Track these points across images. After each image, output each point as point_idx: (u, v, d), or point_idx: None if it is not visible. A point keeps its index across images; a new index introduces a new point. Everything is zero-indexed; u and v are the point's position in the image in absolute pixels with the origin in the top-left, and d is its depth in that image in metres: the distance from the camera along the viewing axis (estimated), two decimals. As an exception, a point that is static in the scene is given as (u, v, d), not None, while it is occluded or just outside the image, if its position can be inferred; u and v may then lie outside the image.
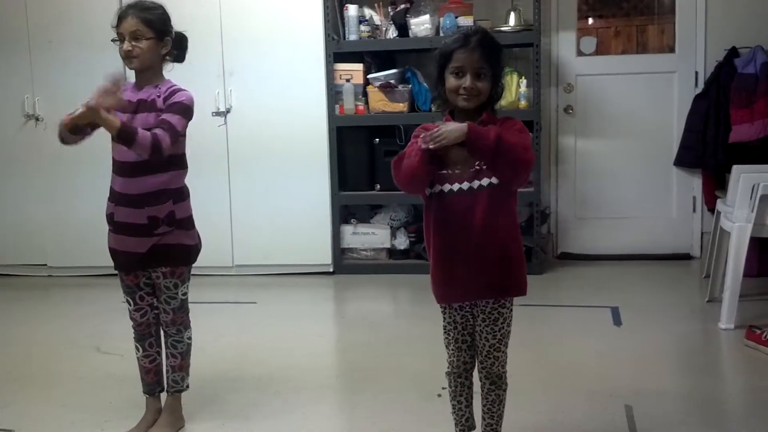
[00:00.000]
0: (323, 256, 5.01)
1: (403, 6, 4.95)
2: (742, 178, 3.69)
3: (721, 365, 3.47)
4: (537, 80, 4.78)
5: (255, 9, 4.87)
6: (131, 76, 2.67)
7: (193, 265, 2.71)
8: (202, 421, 2.82)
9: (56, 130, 2.47)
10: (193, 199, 2.71)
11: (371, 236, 5.11)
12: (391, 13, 4.96)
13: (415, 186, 2.21)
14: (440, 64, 2.17)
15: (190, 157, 2.68)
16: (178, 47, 2.66)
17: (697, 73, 5.13)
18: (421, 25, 4.85)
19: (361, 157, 5.05)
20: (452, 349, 2.30)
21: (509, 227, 2.22)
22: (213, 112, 4.93)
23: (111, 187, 2.62)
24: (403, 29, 4.92)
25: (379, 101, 4.91)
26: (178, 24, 2.66)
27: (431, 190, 2.22)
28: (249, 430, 2.75)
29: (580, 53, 5.34)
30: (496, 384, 2.29)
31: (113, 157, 2.60)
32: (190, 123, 2.60)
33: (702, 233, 5.20)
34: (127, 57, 2.54)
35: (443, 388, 2.46)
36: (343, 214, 5.13)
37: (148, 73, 2.59)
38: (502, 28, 4.82)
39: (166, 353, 2.72)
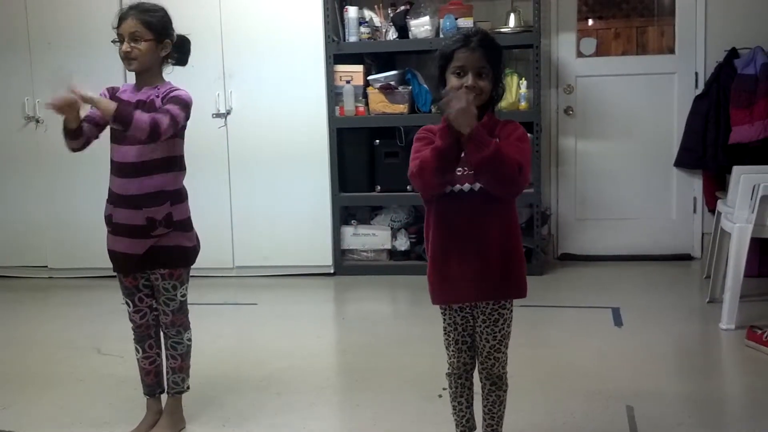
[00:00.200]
0: (324, 257, 5.01)
1: (403, 7, 4.95)
2: (743, 178, 3.69)
3: (722, 366, 3.47)
4: (537, 81, 4.78)
5: (255, 11, 4.87)
6: (131, 77, 2.67)
7: (194, 266, 2.72)
8: (203, 422, 2.82)
9: (58, 134, 2.50)
10: (194, 200, 2.71)
11: (372, 237, 5.11)
12: (391, 15, 4.96)
13: (443, 173, 2.10)
14: (441, 64, 2.16)
15: (191, 159, 2.69)
16: (180, 50, 2.66)
17: (697, 74, 5.13)
18: (421, 26, 4.85)
19: (362, 159, 5.05)
20: (452, 351, 2.30)
21: (509, 229, 2.22)
22: (213, 114, 4.93)
23: (109, 189, 2.62)
24: (403, 31, 4.92)
25: (379, 103, 4.91)
26: (178, 25, 2.66)
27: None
28: (249, 431, 2.75)
29: (580, 54, 5.34)
30: (497, 385, 2.29)
31: (112, 159, 2.60)
32: (190, 124, 2.60)
33: (702, 234, 5.20)
34: (125, 58, 2.54)
35: (444, 389, 2.46)
36: (344, 215, 5.13)
37: (147, 74, 2.59)
38: (502, 30, 4.82)
39: (166, 355, 2.72)
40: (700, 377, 3.19)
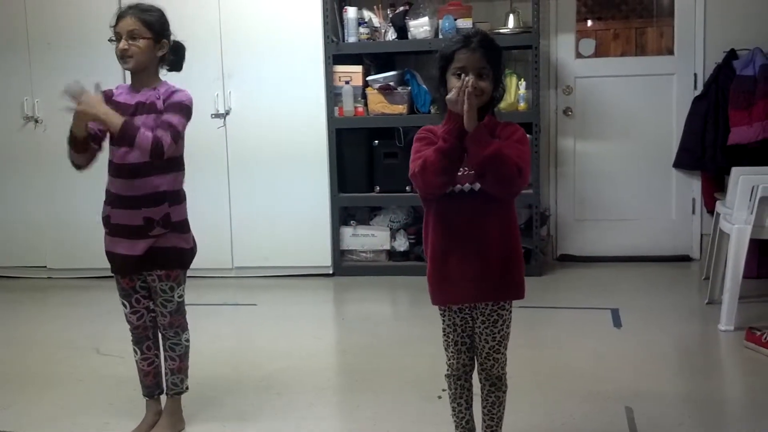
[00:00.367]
0: (323, 257, 5.01)
1: (402, 8, 4.95)
2: (741, 179, 3.69)
3: (721, 367, 3.47)
4: (536, 82, 4.79)
5: (254, 11, 4.87)
6: (129, 78, 2.66)
7: (193, 266, 2.72)
8: (203, 422, 2.82)
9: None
10: (193, 200, 2.72)
11: (371, 238, 5.11)
12: (390, 16, 4.96)
13: (447, 173, 2.12)
14: (441, 65, 2.16)
15: (189, 159, 2.69)
16: (175, 54, 2.66)
17: (696, 75, 5.14)
18: (420, 27, 4.85)
19: (361, 159, 5.05)
20: (452, 352, 2.30)
21: (509, 229, 2.22)
22: (212, 114, 4.93)
23: (107, 190, 2.62)
24: (402, 31, 4.92)
25: (378, 103, 4.91)
26: (177, 26, 2.66)
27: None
28: (249, 432, 2.76)
29: (579, 55, 5.34)
30: (496, 386, 2.30)
31: (110, 160, 2.60)
32: (188, 125, 2.60)
33: (701, 235, 5.20)
34: (122, 56, 2.54)
35: (443, 390, 2.46)
36: (343, 215, 5.13)
37: (144, 74, 2.59)
38: (501, 31, 4.82)
39: (165, 356, 2.72)
40: (699, 378, 3.20)
